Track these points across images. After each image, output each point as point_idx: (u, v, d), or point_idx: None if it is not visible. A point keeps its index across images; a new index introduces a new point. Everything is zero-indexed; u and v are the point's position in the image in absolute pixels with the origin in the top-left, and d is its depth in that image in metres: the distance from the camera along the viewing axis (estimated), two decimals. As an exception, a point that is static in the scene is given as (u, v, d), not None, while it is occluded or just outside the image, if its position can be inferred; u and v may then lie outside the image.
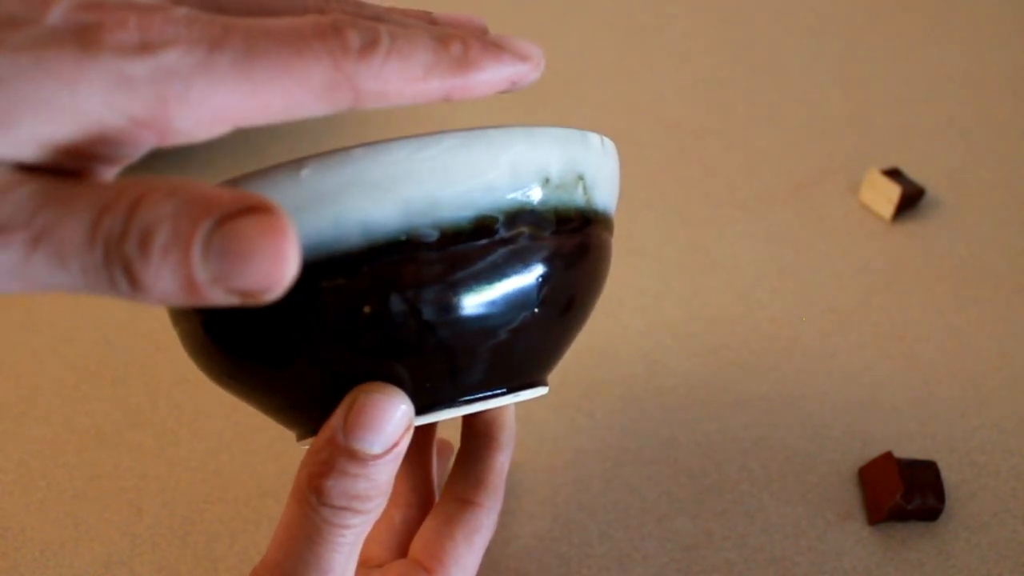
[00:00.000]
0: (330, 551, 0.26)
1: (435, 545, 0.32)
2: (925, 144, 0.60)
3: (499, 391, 0.28)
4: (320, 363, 0.26)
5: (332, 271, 0.24)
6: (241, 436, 0.43)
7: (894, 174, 0.55)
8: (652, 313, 0.50)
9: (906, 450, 0.44)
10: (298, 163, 0.23)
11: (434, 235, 0.24)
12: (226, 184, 0.24)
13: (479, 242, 0.25)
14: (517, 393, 0.29)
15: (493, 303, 0.26)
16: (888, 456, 0.41)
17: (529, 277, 0.26)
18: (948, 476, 0.43)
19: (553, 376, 0.46)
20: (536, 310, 0.27)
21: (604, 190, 0.29)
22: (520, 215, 0.26)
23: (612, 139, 0.60)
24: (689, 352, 0.48)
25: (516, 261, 0.26)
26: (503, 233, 0.25)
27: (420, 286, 0.25)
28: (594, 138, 0.28)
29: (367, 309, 0.25)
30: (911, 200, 0.54)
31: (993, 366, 0.48)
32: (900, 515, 0.40)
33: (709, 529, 0.41)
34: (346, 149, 0.23)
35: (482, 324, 0.26)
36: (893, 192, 0.54)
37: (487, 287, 0.26)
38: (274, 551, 0.27)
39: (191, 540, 0.40)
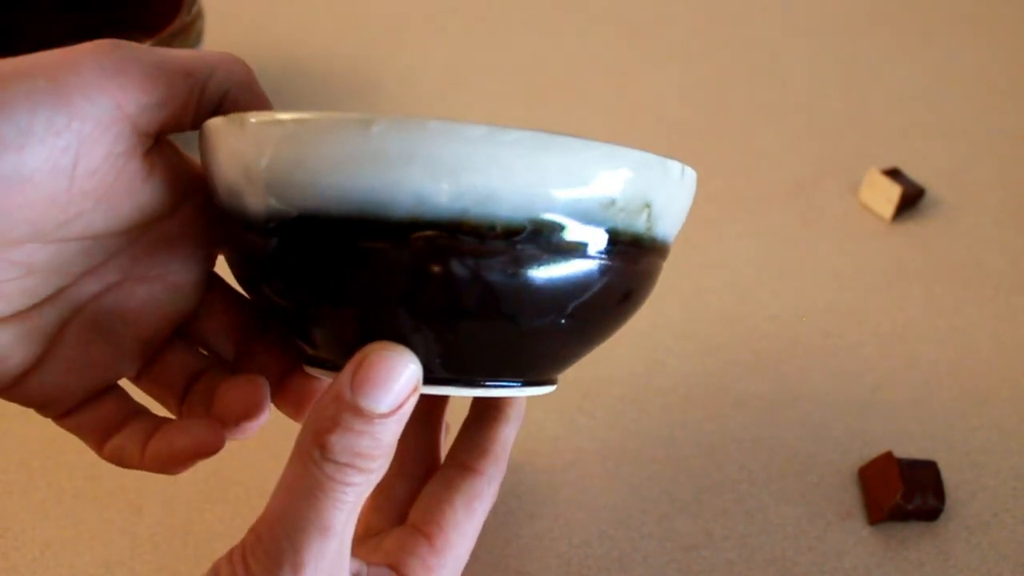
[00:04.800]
0: (331, 507, 0.26)
1: (435, 510, 0.32)
2: (925, 144, 0.60)
3: (514, 383, 0.29)
4: (345, 314, 0.26)
5: (374, 234, 0.24)
6: (241, 436, 0.43)
7: (894, 174, 0.55)
8: (652, 313, 0.50)
9: (906, 450, 0.44)
10: (369, 118, 0.23)
11: (483, 226, 0.24)
12: (294, 117, 0.24)
13: (525, 246, 0.25)
14: (530, 388, 0.29)
15: (523, 305, 0.26)
16: (888, 456, 0.41)
17: (565, 289, 0.26)
18: (948, 476, 0.43)
19: (553, 376, 0.46)
20: (564, 321, 0.27)
21: (671, 220, 0.28)
22: (573, 229, 0.25)
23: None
24: (689, 352, 0.48)
25: (555, 270, 0.26)
26: (551, 240, 0.25)
27: (453, 272, 0.25)
28: (674, 168, 0.27)
29: (401, 279, 0.25)
30: (911, 200, 0.54)
31: (993, 366, 0.48)
32: (900, 515, 0.40)
33: (709, 529, 0.41)
34: (422, 119, 0.23)
35: (510, 323, 0.26)
36: (893, 192, 0.54)
37: (521, 289, 0.25)
38: (274, 507, 0.26)
39: (191, 540, 0.40)
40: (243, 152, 0.25)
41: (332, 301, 0.26)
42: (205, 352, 0.33)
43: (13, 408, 0.44)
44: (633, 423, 0.44)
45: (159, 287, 0.30)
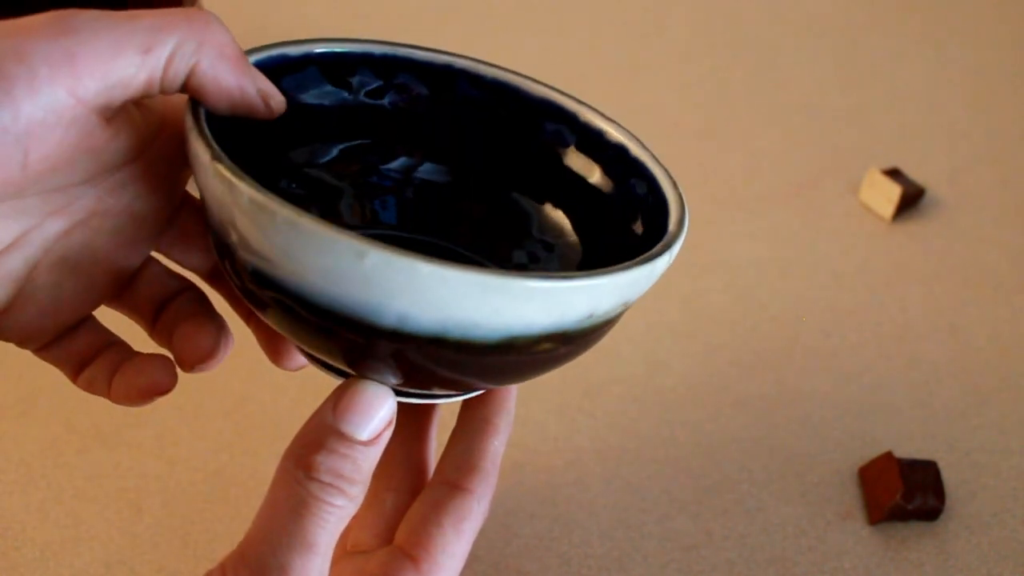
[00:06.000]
0: (316, 525, 0.27)
1: (421, 533, 0.31)
2: (925, 144, 0.60)
3: (473, 392, 0.31)
4: (319, 355, 0.28)
5: (354, 328, 0.25)
6: (241, 436, 0.43)
7: (894, 174, 0.55)
8: (652, 313, 0.50)
9: (906, 450, 0.44)
10: (364, 248, 0.23)
11: (461, 342, 0.25)
12: (288, 216, 0.24)
13: (494, 354, 0.26)
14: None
15: (487, 378, 0.28)
16: (888, 456, 0.41)
17: (527, 368, 0.28)
18: (948, 476, 0.43)
19: (553, 376, 0.46)
20: (527, 376, 0.29)
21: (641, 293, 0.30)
22: (549, 337, 0.27)
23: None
24: (689, 352, 0.48)
25: (522, 361, 0.27)
26: (524, 348, 0.26)
27: (425, 363, 0.26)
28: (662, 264, 0.27)
29: (378, 357, 0.26)
30: (911, 200, 0.54)
31: (993, 366, 0.48)
32: (900, 515, 0.40)
33: (709, 529, 0.41)
34: (414, 260, 0.23)
35: (474, 382, 0.28)
36: (893, 192, 0.54)
37: (488, 370, 0.27)
38: (258, 526, 0.27)
39: (191, 540, 0.40)
40: (233, 215, 0.25)
41: (308, 348, 0.28)
42: (180, 270, 0.33)
43: (13, 408, 0.44)
44: (633, 423, 0.44)
45: (125, 219, 0.30)
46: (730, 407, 0.45)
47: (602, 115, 0.34)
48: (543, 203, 0.36)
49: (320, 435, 0.27)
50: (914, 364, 0.48)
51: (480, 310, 0.24)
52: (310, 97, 0.34)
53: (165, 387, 0.31)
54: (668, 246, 0.28)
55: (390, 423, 0.28)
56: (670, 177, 0.32)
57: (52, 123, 0.25)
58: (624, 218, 0.33)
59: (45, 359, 0.31)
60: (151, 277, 0.32)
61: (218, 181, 0.25)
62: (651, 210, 0.32)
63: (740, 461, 0.43)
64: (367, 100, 0.35)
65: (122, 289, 0.32)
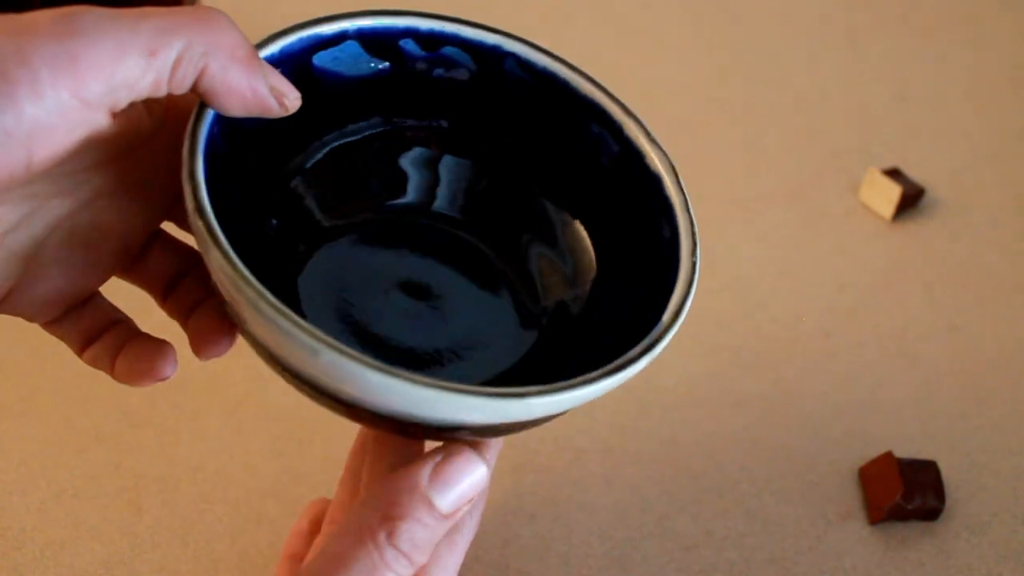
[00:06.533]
0: None
1: None
2: (925, 144, 0.60)
3: None
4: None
5: (330, 398, 0.28)
6: (241, 436, 0.43)
7: (894, 174, 0.55)
8: (652, 313, 0.50)
9: (906, 450, 0.44)
10: (318, 344, 0.25)
11: (413, 422, 0.28)
12: (266, 316, 0.26)
13: (448, 431, 0.29)
14: None
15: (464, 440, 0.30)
16: (888, 456, 0.41)
17: (494, 434, 0.31)
18: (948, 476, 0.43)
19: (553, 376, 0.46)
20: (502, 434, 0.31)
21: None
22: (494, 428, 0.29)
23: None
24: (689, 352, 0.48)
25: (485, 434, 0.30)
26: (477, 430, 0.29)
27: (384, 420, 0.29)
28: (596, 391, 0.28)
29: (360, 420, 0.30)
30: (911, 200, 0.54)
31: (993, 366, 0.48)
32: (900, 515, 0.40)
33: (709, 529, 0.41)
34: (360, 363, 0.25)
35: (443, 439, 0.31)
36: (893, 192, 0.54)
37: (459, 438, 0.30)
38: (322, 568, 0.28)
39: (191, 540, 0.40)
40: (228, 293, 0.27)
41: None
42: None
43: (13, 408, 0.44)
44: (633, 423, 0.44)
45: (134, 200, 0.30)
46: (730, 407, 0.45)
47: (645, 131, 0.34)
48: (565, 210, 0.36)
49: (411, 500, 0.28)
50: (914, 364, 0.48)
51: (422, 408, 0.27)
52: (346, 69, 0.33)
53: (162, 375, 0.31)
54: (646, 351, 0.30)
55: (471, 501, 0.29)
56: (692, 233, 0.32)
57: (56, 124, 0.24)
58: (639, 256, 0.34)
59: (53, 333, 0.32)
60: (161, 252, 0.33)
61: (220, 264, 0.26)
62: (664, 264, 0.32)
63: (740, 461, 0.43)
64: (411, 71, 0.34)
65: (131, 264, 0.32)
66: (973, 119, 0.62)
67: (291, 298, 0.33)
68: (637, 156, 0.34)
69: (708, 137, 0.60)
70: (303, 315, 0.33)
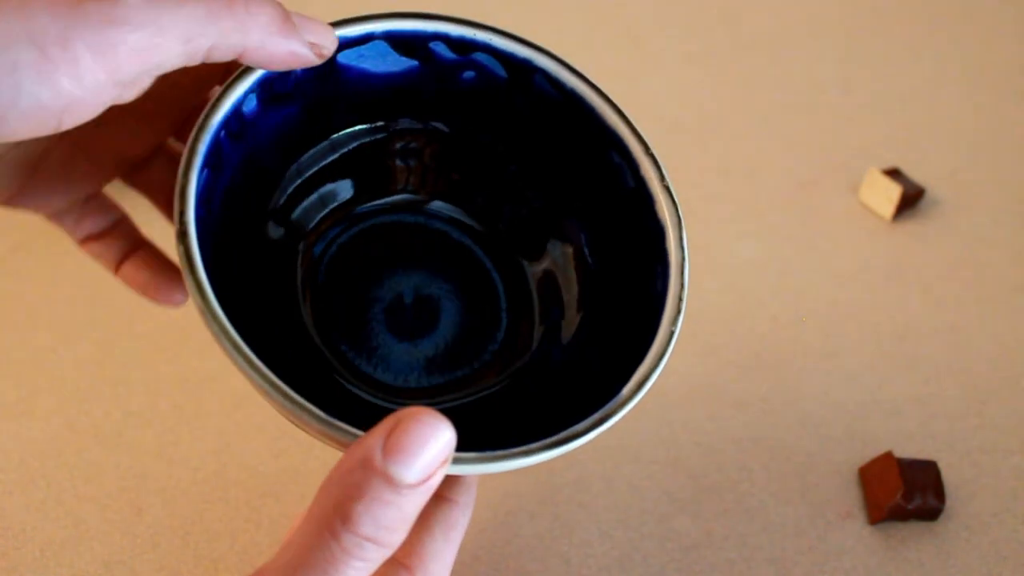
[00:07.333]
0: None
1: (415, 543, 0.32)
2: (925, 144, 0.60)
3: None
4: None
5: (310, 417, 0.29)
6: (241, 436, 0.43)
7: (894, 174, 0.55)
8: (652, 313, 0.50)
9: (906, 450, 0.44)
10: (293, 397, 0.27)
11: None
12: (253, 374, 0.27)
13: None
14: None
15: None
16: (888, 456, 0.41)
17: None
18: (948, 476, 0.43)
19: (553, 376, 0.47)
20: None
21: None
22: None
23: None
24: (689, 352, 0.48)
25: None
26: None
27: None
28: (566, 448, 0.29)
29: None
30: (911, 200, 0.54)
31: (993, 366, 0.48)
32: (900, 515, 0.40)
33: (709, 529, 0.41)
34: (316, 413, 0.27)
35: None
36: (893, 192, 0.54)
37: None
38: (283, 566, 0.26)
39: (191, 540, 0.40)
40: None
41: None
42: None
43: (13, 408, 0.44)
44: (633, 423, 0.44)
45: (142, 120, 0.33)
46: (730, 407, 0.45)
47: (660, 175, 0.33)
48: (568, 241, 0.36)
49: (365, 478, 0.24)
50: (914, 364, 0.48)
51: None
52: (373, 65, 0.34)
53: (154, 296, 0.34)
54: (596, 425, 0.29)
55: (445, 461, 0.25)
56: (679, 298, 0.31)
57: (89, 100, 0.26)
58: (630, 298, 0.34)
59: (55, 224, 0.34)
60: (164, 164, 0.35)
61: (203, 319, 0.28)
62: (647, 320, 0.32)
63: (740, 461, 0.43)
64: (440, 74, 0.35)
65: (134, 171, 0.35)
66: (973, 119, 0.62)
67: (291, 298, 0.33)
68: (648, 200, 0.33)
69: (708, 137, 0.60)
70: (302, 313, 0.33)
